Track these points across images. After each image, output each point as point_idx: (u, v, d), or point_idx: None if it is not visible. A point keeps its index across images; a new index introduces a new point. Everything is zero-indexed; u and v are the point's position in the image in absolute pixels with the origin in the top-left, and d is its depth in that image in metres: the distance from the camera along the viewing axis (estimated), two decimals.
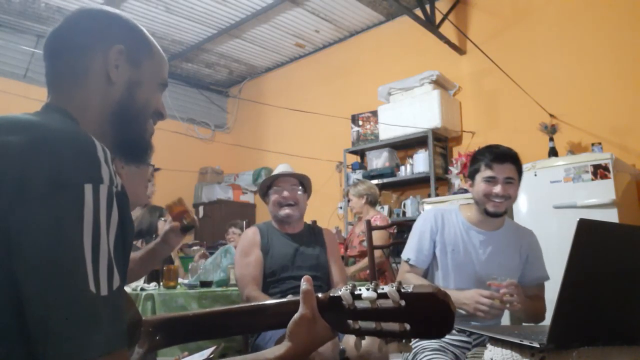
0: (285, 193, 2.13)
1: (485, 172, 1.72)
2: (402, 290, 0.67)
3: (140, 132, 0.84)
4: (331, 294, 0.74)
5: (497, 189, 1.69)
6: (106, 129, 0.79)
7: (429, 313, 0.65)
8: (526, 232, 1.88)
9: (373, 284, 0.70)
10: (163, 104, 0.88)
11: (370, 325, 0.69)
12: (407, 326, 0.66)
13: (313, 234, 2.23)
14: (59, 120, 0.68)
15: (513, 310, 1.61)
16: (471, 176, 1.80)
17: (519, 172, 1.75)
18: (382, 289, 0.68)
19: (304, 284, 0.76)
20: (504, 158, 1.71)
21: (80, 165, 0.59)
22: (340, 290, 0.72)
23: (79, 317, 0.54)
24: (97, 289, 0.55)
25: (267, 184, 2.21)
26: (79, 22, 0.80)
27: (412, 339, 0.68)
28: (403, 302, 0.66)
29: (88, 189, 0.57)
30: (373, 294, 0.68)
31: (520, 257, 1.79)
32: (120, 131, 0.80)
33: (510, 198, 1.72)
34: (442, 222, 1.81)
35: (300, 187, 2.19)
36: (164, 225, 3.41)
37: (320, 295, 0.76)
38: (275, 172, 2.23)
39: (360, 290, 0.70)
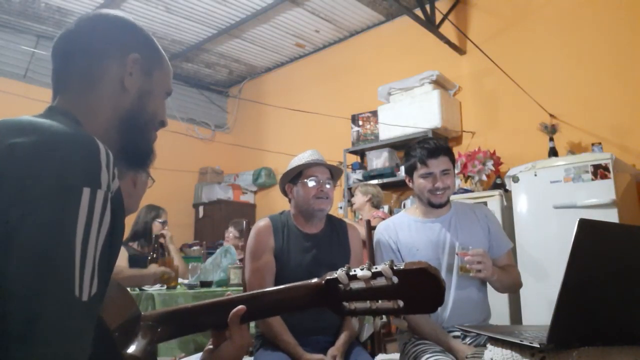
0: (322, 187, 1.83)
1: (421, 169, 1.78)
2: (395, 267, 0.70)
3: (145, 140, 0.85)
4: (327, 277, 0.75)
5: (437, 183, 1.75)
6: (112, 135, 0.79)
7: (421, 288, 0.69)
8: (477, 206, 1.93)
9: (367, 264, 0.73)
10: (165, 110, 0.89)
11: (365, 305, 0.72)
12: (401, 303, 0.70)
13: (336, 233, 1.91)
14: (64, 123, 0.69)
15: (480, 277, 1.66)
16: (408, 173, 1.85)
17: (453, 161, 1.82)
18: (376, 268, 0.71)
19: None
20: (437, 152, 1.77)
21: (81, 168, 0.59)
22: (337, 272, 0.74)
23: (60, 322, 0.54)
24: (80, 294, 0.56)
25: (297, 171, 1.87)
26: (95, 27, 0.81)
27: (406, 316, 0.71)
28: (396, 279, 0.69)
29: (86, 192, 0.58)
30: (368, 273, 0.71)
31: (483, 231, 1.82)
32: (126, 138, 0.81)
33: (449, 188, 1.78)
34: (394, 229, 1.85)
35: (332, 181, 1.90)
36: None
37: (315, 280, 0.77)
38: (304, 157, 1.89)
39: (355, 271, 0.73)
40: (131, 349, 0.78)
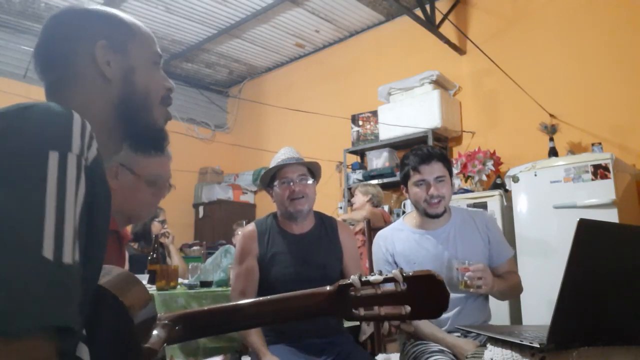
0: (294, 187, 1.80)
1: (414, 177, 1.73)
2: (404, 274, 0.74)
3: (149, 118, 0.81)
4: (340, 283, 0.78)
5: (431, 190, 1.70)
6: (113, 125, 0.78)
7: (427, 294, 0.73)
8: (478, 213, 1.88)
9: (377, 271, 0.77)
10: (166, 76, 0.85)
11: (374, 311, 0.75)
12: (408, 308, 0.73)
13: (325, 232, 1.89)
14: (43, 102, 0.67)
15: (481, 292, 1.64)
16: (403, 183, 1.81)
17: (449, 169, 1.76)
18: (387, 274, 0.75)
19: None
20: (430, 158, 1.72)
21: (46, 133, 0.57)
22: (351, 278, 0.77)
23: (21, 281, 0.49)
24: (59, 256, 0.52)
25: (271, 174, 1.87)
26: (55, 31, 0.80)
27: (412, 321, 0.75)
28: (404, 285, 0.73)
29: (53, 156, 0.56)
30: (379, 277, 0.75)
31: (482, 240, 1.79)
32: (128, 123, 0.79)
33: (445, 197, 1.73)
34: (391, 239, 1.82)
35: (309, 176, 1.86)
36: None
37: (329, 287, 0.79)
38: (278, 157, 1.86)
39: (366, 277, 0.76)
40: (148, 344, 0.78)
